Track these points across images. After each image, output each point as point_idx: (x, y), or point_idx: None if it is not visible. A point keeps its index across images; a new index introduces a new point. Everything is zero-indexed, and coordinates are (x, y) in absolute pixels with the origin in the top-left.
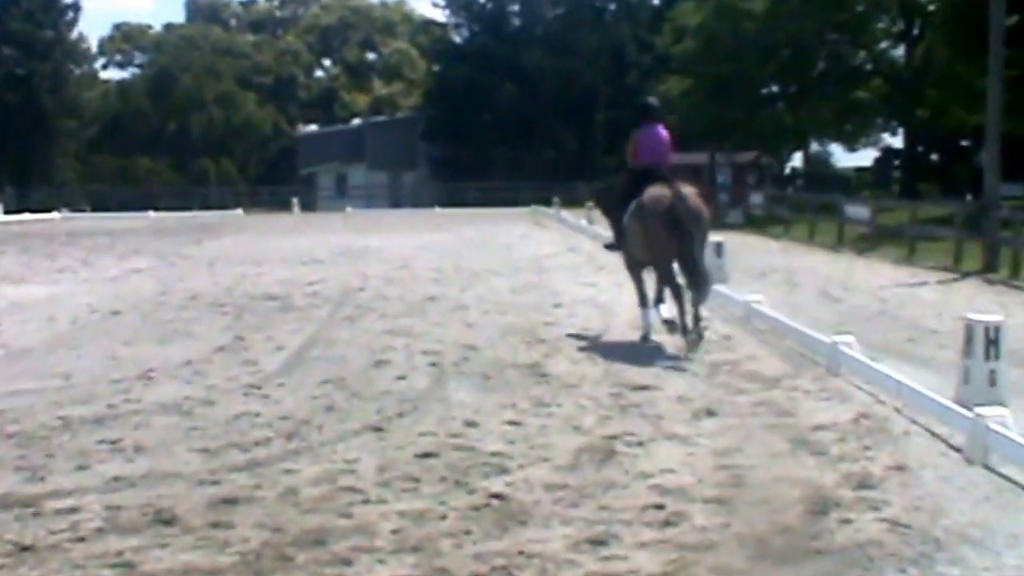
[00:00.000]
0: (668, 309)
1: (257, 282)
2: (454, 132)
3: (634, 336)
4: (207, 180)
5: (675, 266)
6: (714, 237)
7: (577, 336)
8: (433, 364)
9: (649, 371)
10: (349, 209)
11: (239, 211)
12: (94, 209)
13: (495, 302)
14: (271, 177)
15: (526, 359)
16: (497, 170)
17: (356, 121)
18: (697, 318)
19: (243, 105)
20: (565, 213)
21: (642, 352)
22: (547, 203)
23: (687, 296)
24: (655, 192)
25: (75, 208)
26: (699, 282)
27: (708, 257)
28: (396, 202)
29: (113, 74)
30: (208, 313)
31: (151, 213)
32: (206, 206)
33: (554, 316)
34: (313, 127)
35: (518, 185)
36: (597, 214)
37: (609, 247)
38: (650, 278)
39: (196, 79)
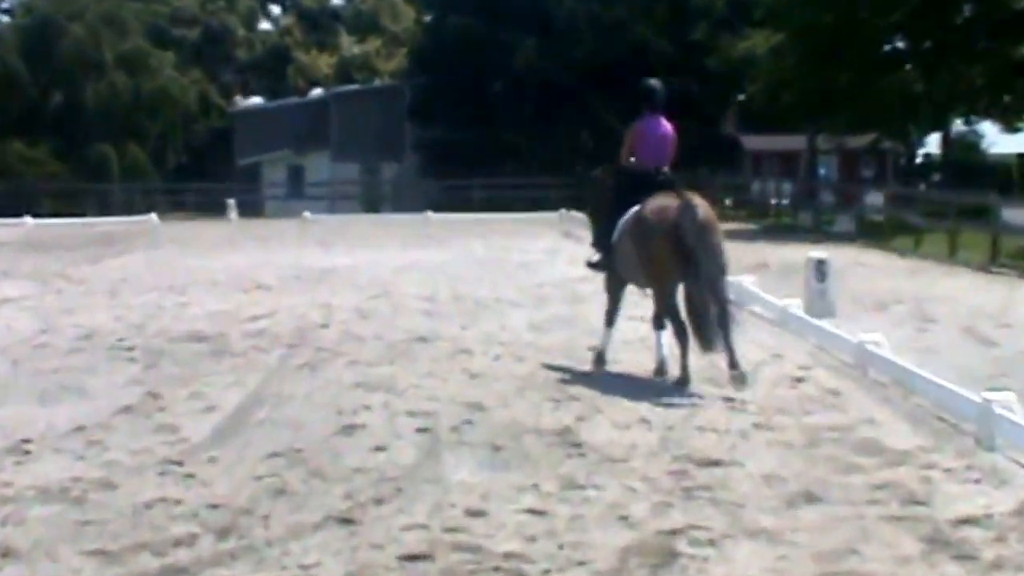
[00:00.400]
0: (659, 349)
1: (179, 316)
2: (453, 108)
3: (705, 389)
4: (107, 173)
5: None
6: (815, 252)
7: (623, 390)
8: (423, 430)
9: (724, 440)
10: (307, 214)
11: (152, 217)
12: None
13: (510, 343)
14: (198, 170)
15: (552, 423)
16: (513, 160)
17: (316, 92)
18: (733, 361)
19: (158, 69)
20: None
21: (711, 412)
22: (582, 206)
23: (693, 338)
24: (658, 203)
25: None
26: (718, 320)
27: (807, 279)
28: (373, 205)
29: None
30: (108, 360)
31: (27, 219)
32: (106, 210)
33: (591, 360)
34: (256, 100)
35: (542, 181)
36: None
37: (593, 266)
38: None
39: (90, 32)
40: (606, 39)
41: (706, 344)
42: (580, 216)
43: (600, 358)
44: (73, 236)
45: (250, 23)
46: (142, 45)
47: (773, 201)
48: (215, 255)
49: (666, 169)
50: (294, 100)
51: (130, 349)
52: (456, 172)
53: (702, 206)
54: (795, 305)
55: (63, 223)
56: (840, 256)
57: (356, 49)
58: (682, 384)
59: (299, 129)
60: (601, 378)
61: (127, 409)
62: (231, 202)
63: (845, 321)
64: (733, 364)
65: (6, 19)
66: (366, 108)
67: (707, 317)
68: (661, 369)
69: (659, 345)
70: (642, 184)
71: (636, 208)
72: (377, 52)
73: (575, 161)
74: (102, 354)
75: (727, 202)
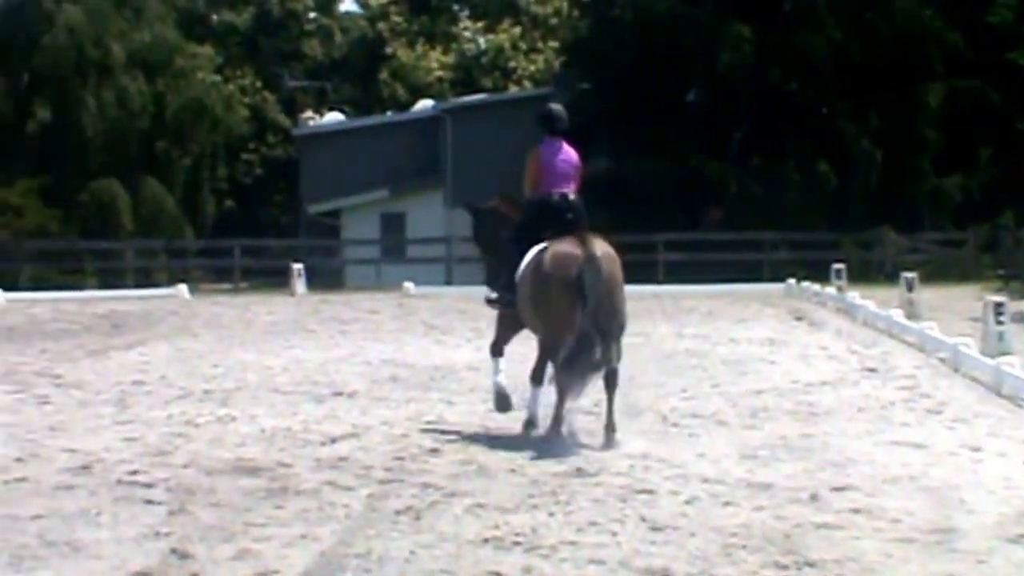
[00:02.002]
0: (534, 403)
1: (219, 438)
2: (627, 127)
3: None
4: (115, 224)
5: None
6: None
7: (877, 545)
8: None
9: None
10: (410, 285)
11: (182, 289)
12: None
13: (712, 479)
14: (248, 220)
15: None
16: (717, 205)
17: (425, 105)
18: (611, 422)
19: (190, 72)
20: (855, 295)
21: None
22: (817, 273)
23: (583, 391)
24: (560, 250)
25: None
26: (605, 381)
27: None
28: None
29: None
30: (115, 502)
31: None
32: (113, 278)
33: (835, 508)
34: (335, 117)
35: (760, 237)
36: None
37: (492, 303)
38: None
39: (91, 18)
40: (858, 27)
41: (612, 388)
42: (819, 290)
43: (500, 393)
44: (65, 318)
45: (327, 4)
46: (168, 36)
47: None
48: (273, 346)
49: (572, 196)
50: (391, 117)
51: (148, 486)
52: (631, 222)
53: (607, 258)
54: None
55: (49, 298)
56: None
57: (483, 42)
58: (553, 434)
59: (398, 159)
60: (851, 536)
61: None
62: (297, 267)
63: None
64: (610, 425)
65: None
66: (498, 128)
67: (609, 367)
68: (532, 423)
69: (534, 400)
70: (549, 215)
71: (539, 249)
72: (514, 46)
73: (810, 206)
74: (106, 493)
75: None
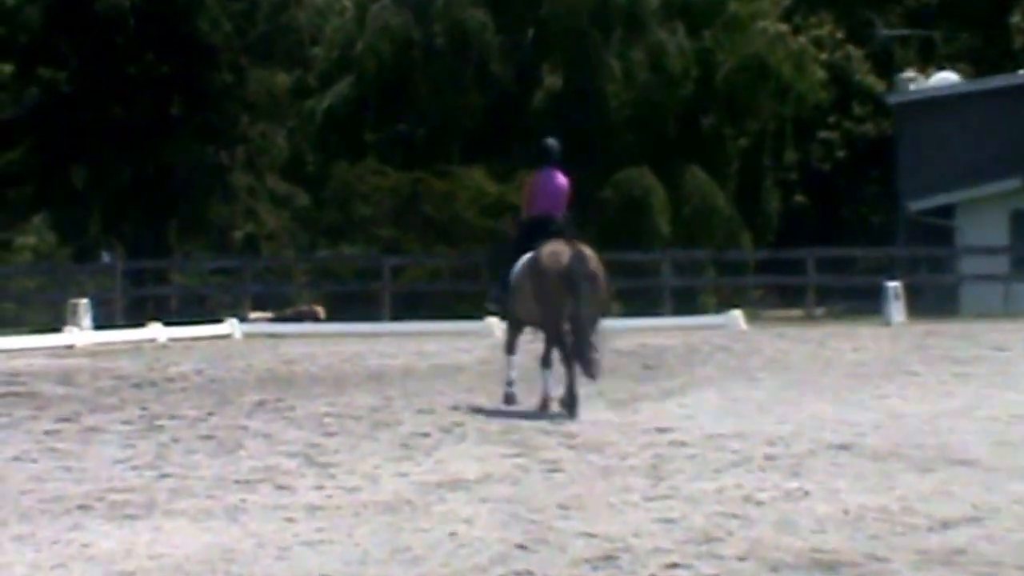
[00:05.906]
0: (546, 384)
1: (788, 519)
2: None
3: None
4: (646, 230)
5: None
6: None
7: None
8: None
9: None
10: None
11: (735, 315)
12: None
13: None
14: (825, 221)
15: None
16: None
17: None
18: (572, 395)
19: (746, 23)
20: None
21: None
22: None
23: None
24: (553, 248)
25: (293, 309)
26: (583, 352)
27: None
28: None
29: None
30: None
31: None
32: (644, 302)
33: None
34: (946, 79)
35: None
36: None
37: (493, 304)
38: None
39: None
40: None
41: (590, 371)
42: None
43: (509, 385)
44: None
45: None
46: None
47: None
48: (860, 395)
49: (557, 215)
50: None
51: None
52: None
53: (592, 257)
54: None
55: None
56: None
57: None
58: (570, 406)
59: None
60: None
61: None
62: (893, 286)
63: None
64: (571, 400)
65: None
66: None
67: (580, 350)
68: (546, 404)
69: (545, 382)
70: (538, 231)
71: (532, 253)
72: None
73: None
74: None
75: None
